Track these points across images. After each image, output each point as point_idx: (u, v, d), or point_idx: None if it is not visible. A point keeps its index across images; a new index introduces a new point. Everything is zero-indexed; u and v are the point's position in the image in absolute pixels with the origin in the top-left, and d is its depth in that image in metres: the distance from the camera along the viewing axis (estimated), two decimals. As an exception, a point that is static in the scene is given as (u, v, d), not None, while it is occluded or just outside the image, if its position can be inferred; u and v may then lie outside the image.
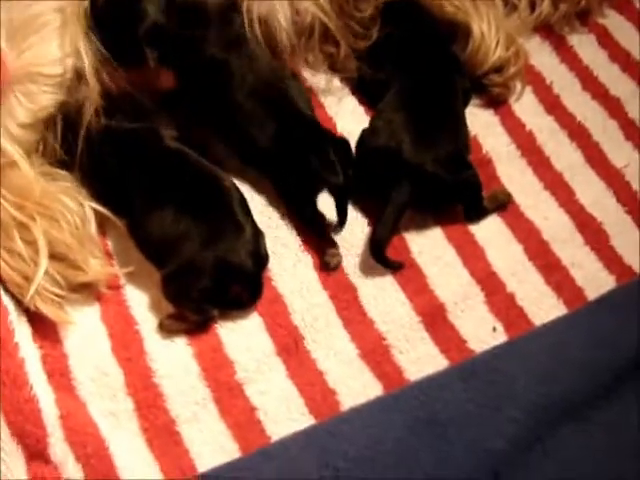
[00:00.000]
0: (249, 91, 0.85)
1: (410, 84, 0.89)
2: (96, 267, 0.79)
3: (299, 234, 0.85)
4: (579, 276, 0.84)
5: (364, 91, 0.95)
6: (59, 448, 0.69)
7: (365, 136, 0.87)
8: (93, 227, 0.81)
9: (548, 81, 0.98)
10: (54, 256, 0.77)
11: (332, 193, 0.84)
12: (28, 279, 0.75)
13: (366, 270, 0.83)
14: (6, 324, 0.72)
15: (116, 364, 0.77)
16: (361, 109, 0.94)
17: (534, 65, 0.98)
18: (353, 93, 0.95)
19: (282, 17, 0.89)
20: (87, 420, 0.72)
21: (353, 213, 0.86)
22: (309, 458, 0.71)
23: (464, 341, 0.80)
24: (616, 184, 0.90)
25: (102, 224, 0.83)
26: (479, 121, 0.90)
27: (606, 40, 1.02)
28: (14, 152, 0.75)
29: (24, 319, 0.76)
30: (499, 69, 0.93)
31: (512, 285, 0.83)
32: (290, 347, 0.79)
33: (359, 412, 0.74)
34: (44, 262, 0.75)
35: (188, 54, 0.84)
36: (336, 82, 0.95)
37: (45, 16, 0.75)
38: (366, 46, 0.93)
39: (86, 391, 0.75)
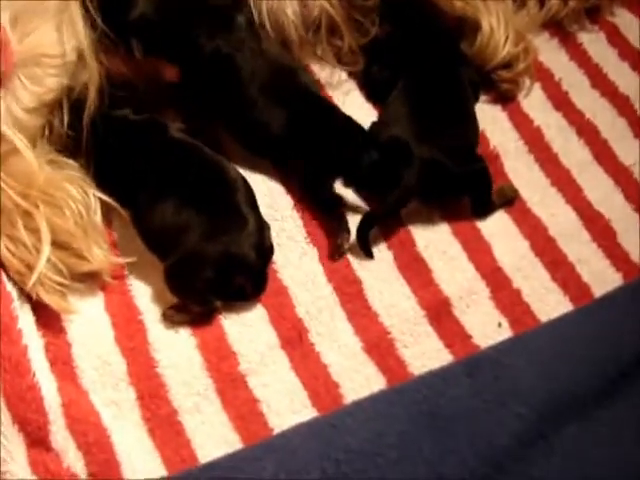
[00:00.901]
0: (259, 83, 0.85)
1: (416, 79, 0.88)
2: (100, 256, 0.79)
3: (305, 226, 0.85)
4: (585, 273, 0.83)
5: (370, 87, 0.94)
6: (60, 436, 0.68)
7: (374, 129, 0.86)
8: (98, 216, 0.81)
9: (557, 78, 0.97)
10: (57, 244, 0.76)
11: (350, 177, 0.84)
12: (30, 267, 0.74)
13: (371, 263, 0.83)
14: (9, 310, 0.72)
15: (119, 353, 0.76)
16: (369, 104, 0.93)
17: (543, 62, 0.98)
18: (361, 88, 0.95)
19: (290, 10, 0.89)
20: (89, 409, 0.71)
21: (360, 206, 0.86)
22: (311, 450, 0.70)
23: (469, 336, 0.79)
24: (624, 181, 0.90)
25: (107, 214, 0.83)
26: (487, 116, 0.90)
27: (616, 38, 1.01)
28: (17, 139, 0.74)
29: (27, 307, 0.75)
30: (508, 65, 0.92)
31: (518, 281, 0.82)
32: (294, 339, 0.78)
33: (362, 405, 0.74)
34: (47, 250, 0.75)
35: (186, 50, 0.84)
36: (344, 76, 0.95)
37: None
38: (370, 40, 0.93)
39: (88, 380, 0.74)
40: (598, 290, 0.82)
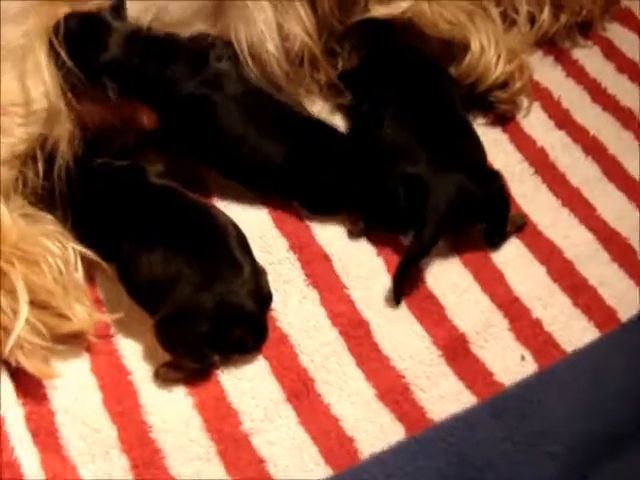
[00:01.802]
0: (245, 119, 0.80)
1: (406, 105, 0.84)
2: (83, 315, 0.73)
3: (303, 268, 0.79)
4: (608, 295, 0.78)
5: (360, 122, 0.90)
6: (46, 517, 0.61)
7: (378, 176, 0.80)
8: (79, 271, 0.76)
9: (556, 96, 0.94)
10: (36, 304, 0.71)
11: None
12: (7, 330, 0.68)
13: (378, 303, 0.77)
14: (-18, 379, 0.66)
15: (108, 419, 0.70)
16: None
17: (539, 81, 0.94)
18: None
19: (272, 45, 0.85)
20: (77, 484, 0.65)
21: (361, 243, 0.81)
22: (328, 514, 0.63)
23: (491, 374, 0.73)
24: (638, 197, 0.85)
25: (89, 268, 0.77)
26: (488, 139, 0.85)
27: (611, 52, 0.99)
28: None
29: (5, 373, 0.70)
30: (504, 85, 0.88)
31: (538, 310, 0.77)
32: (300, 392, 0.72)
33: (381, 460, 0.67)
34: (24, 311, 0.69)
35: (162, 91, 0.79)
36: (330, 109, 0.91)
37: (12, 43, 0.71)
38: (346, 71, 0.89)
39: (76, 451, 0.68)
40: (624, 313, 0.77)
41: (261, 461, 0.68)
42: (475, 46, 0.86)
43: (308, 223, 0.83)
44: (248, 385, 0.72)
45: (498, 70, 0.87)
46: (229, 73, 0.81)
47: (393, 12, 0.86)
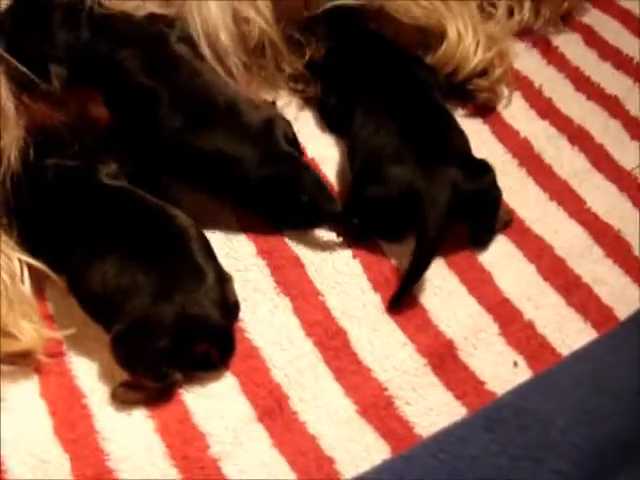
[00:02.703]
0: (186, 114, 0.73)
1: (378, 97, 0.78)
2: (31, 332, 0.67)
3: (273, 274, 0.73)
4: (604, 293, 0.73)
5: (328, 118, 0.84)
6: None
7: (362, 182, 0.74)
8: (26, 285, 0.69)
9: (537, 85, 0.89)
10: (-23, 322, 0.64)
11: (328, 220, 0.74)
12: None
13: (355, 310, 0.71)
14: None
15: (60, 448, 0.63)
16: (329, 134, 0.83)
17: (519, 69, 0.90)
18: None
19: (226, 32, 0.78)
20: (23, 524, 0.57)
21: (337, 250, 0.75)
22: None
23: (482, 382, 0.67)
24: (629, 187, 0.80)
25: (38, 281, 0.71)
26: (468, 131, 0.79)
27: (593, 39, 0.94)
28: None
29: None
30: (483, 73, 0.83)
31: (529, 311, 0.71)
32: (273, 410, 0.65)
33: (365, 482, 0.61)
34: (-38, 330, 0.62)
35: (111, 79, 0.73)
36: (300, 103, 0.85)
37: None
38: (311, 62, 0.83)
39: (22, 486, 0.60)
40: (622, 311, 0.71)
41: (232, 489, 0.61)
42: (452, 33, 0.82)
43: (277, 226, 0.77)
44: (215, 405, 0.66)
45: (477, 57, 0.82)
46: (187, 58, 0.75)
47: None
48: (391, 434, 0.64)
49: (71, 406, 0.66)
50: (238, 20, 0.77)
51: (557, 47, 0.93)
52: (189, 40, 0.75)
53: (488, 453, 0.61)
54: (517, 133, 0.84)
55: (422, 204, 0.69)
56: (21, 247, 0.70)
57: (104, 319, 0.67)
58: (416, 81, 0.79)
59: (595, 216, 0.78)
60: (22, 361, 0.67)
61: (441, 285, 0.72)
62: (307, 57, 0.83)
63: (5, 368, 0.66)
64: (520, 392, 0.65)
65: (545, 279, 0.73)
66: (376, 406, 0.66)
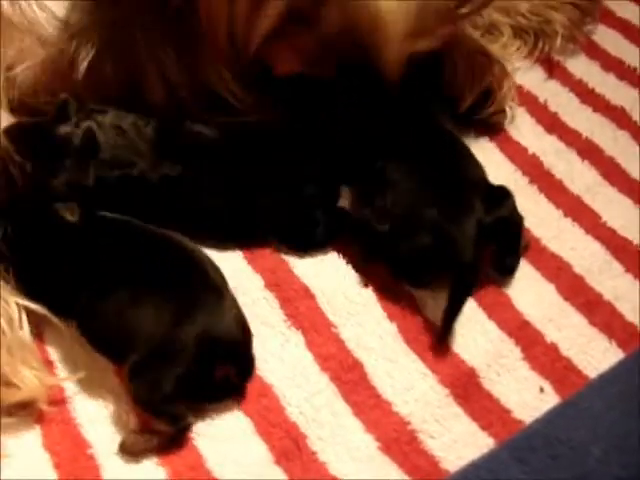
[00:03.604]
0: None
1: (401, 148, 0.74)
2: (32, 380, 0.63)
3: (283, 307, 0.70)
4: (627, 310, 0.70)
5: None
6: None
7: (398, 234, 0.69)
8: (25, 329, 0.66)
9: (542, 100, 0.86)
10: (-26, 372, 0.60)
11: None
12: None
13: (371, 341, 0.68)
14: None
15: (66, 504, 0.59)
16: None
17: (523, 84, 0.87)
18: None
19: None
20: None
21: (349, 278, 0.72)
22: None
23: (508, 411, 0.64)
24: (643, 199, 0.78)
25: (37, 325, 0.67)
26: (476, 150, 0.76)
27: (594, 51, 0.92)
28: None
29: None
30: (488, 93, 0.80)
31: (552, 333, 0.68)
32: (290, 451, 0.62)
33: (393, 523, 0.57)
34: (-41, 384, 0.58)
35: None
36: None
37: None
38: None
39: None
40: (646, 328, 0.68)
41: (251, 539, 0.58)
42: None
43: (284, 256, 0.74)
44: (229, 448, 0.62)
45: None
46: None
47: None
48: (416, 470, 0.61)
49: (76, 457, 0.62)
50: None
51: (558, 61, 0.90)
52: None
53: (521, 486, 0.57)
54: (525, 150, 0.82)
55: (454, 240, 0.67)
56: (18, 291, 0.67)
57: (119, 353, 0.64)
58: (429, 117, 0.77)
59: (612, 231, 0.75)
60: (23, 411, 0.63)
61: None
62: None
63: (5, 421, 0.62)
64: (549, 419, 0.62)
65: (565, 299, 0.70)
66: (399, 441, 0.62)
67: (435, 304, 0.70)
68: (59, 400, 0.65)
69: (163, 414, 0.61)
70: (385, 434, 0.63)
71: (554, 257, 0.73)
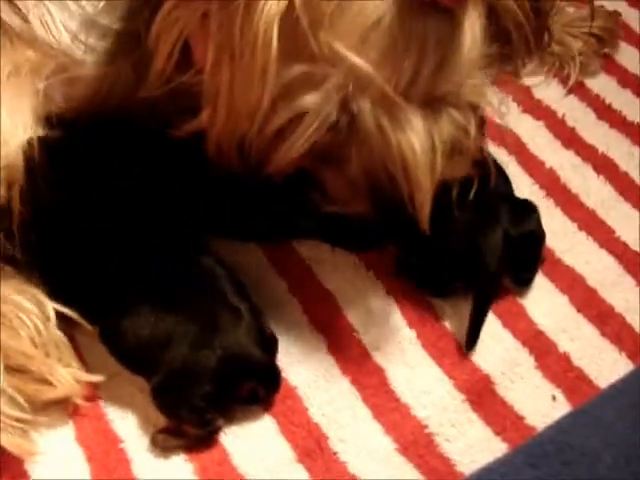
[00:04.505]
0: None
1: None
2: (67, 379, 0.65)
3: (306, 312, 0.72)
4: (638, 323, 0.72)
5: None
6: None
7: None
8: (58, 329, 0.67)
9: (560, 114, 0.89)
10: (11, 370, 0.63)
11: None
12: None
13: (391, 346, 0.70)
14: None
15: (99, 495, 0.62)
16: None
17: (542, 99, 0.90)
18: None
19: None
20: None
21: (370, 286, 0.74)
22: None
23: (521, 417, 0.66)
24: (656, 217, 0.80)
25: (69, 324, 0.69)
26: (493, 163, 0.79)
27: (611, 67, 0.94)
28: None
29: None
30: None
31: (564, 343, 0.71)
32: (312, 450, 0.65)
33: (409, 523, 0.60)
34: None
35: None
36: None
37: None
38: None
39: (63, 535, 0.60)
40: (656, 341, 0.71)
41: (275, 533, 0.60)
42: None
43: (307, 261, 0.76)
44: (254, 446, 0.65)
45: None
46: None
47: None
48: (432, 472, 0.63)
49: (108, 451, 0.65)
50: None
51: (577, 76, 0.92)
52: None
53: (534, 491, 0.60)
54: (543, 164, 0.84)
55: (481, 250, 0.69)
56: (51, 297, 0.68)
57: (143, 371, 0.66)
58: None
59: (625, 245, 0.77)
60: (57, 407, 0.66)
61: (475, 319, 0.72)
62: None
63: (41, 419, 0.64)
64: (561, 427, 0.64)
65: (578, 310, 0.73)
66: (416, 444, 0.65)
67: (453, 312, 0.72)
68: (92, 397, 0.67)
69: (191, 423, 0.64)
70: (403, 437, 0.65)
71: (568, 269, 0.76)
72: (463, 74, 0.56)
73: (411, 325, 0.72)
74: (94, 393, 0.67)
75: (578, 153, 0.85)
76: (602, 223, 0.79)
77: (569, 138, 0.87)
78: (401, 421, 0.66)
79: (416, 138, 0.56)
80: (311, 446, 0.65)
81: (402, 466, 0.64)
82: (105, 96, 0.66)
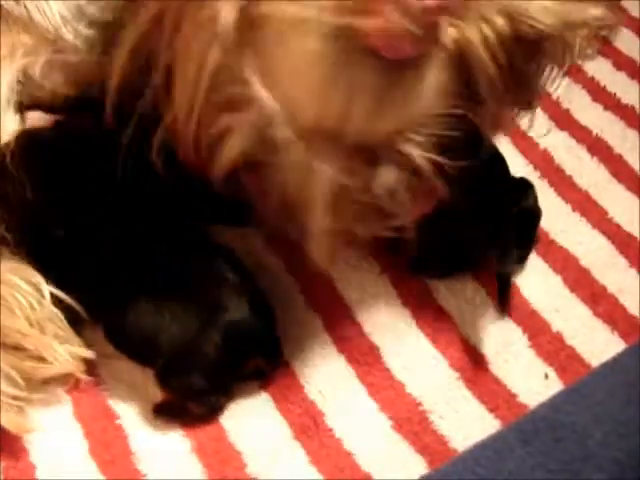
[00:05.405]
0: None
1: None
2: (64, 356, 0.65)
3: (302, 292, 0.73)
4: (630, 303, 0.73)
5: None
6: None
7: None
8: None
9: (554, 96, 0.89)
10: (6, 347, 0.63)
11: None
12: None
13: (387, 324, 0.71)
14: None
15: (96, 469, 0.63)
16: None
17: (536, 81, 0.90)
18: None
19: None
20: None
21: (362, 262, 0.74)
22: None
23: (514, 395, 0.67)
24: (650, 198, 0.81)
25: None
26: (488, 144, 0.80)
27: (607, 49, 0.94)
28: None
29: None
30: None
31: (557, 323, 0.71)
32: (308, 427, 0.65)
33: (403, 498, 0.61)
34: (-6, 357, 0.61)
35: None
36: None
37: None
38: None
39: (61, 510, 0.60)
40: (649, 321, 0.72)
41: (271, 508, 0.61)
42: None
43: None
44: (250, 423, 0.65)
45: None
46: None
47: None
48: (427, 449, 0.64)
49: (105, 427, 0.65)
50: None
51: (572, 58, 0.93)
52: None
53: (526, 466, 0.60)
54: (537, 145, 0.84)
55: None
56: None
57: (143, 359, 0.66)
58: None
59: (618, 226, 0.78)
60: (54, 383, 0.66)
61: (470, 297, 0.73)
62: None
63: (37, 396, 0.65)
64: (554, 404, 0.65)
65: (571, 290, 0.74)
66: (411, 421, 0.66)
67: (448, 291, 0.73)
68: (89, 373, 0.67)
69: (197, 401, 0.64)
70: (398, 414, 0.66)
71: (562, 250, 0.76)
72: (403, 126, 0.51)
73: (406, 304, 0.72)
74: (92, 369, 0.68)
75: (572, 135, 0.86)
76: (595, 204, 0.80)
77: (564, 119, 0.87)
78: (396, 399, 0.67)
79: (321, 181, 0.53)
80: (307, 423, 0.66)
81: (397, 443, 0.65)
82: (96, 83, 0.66)
